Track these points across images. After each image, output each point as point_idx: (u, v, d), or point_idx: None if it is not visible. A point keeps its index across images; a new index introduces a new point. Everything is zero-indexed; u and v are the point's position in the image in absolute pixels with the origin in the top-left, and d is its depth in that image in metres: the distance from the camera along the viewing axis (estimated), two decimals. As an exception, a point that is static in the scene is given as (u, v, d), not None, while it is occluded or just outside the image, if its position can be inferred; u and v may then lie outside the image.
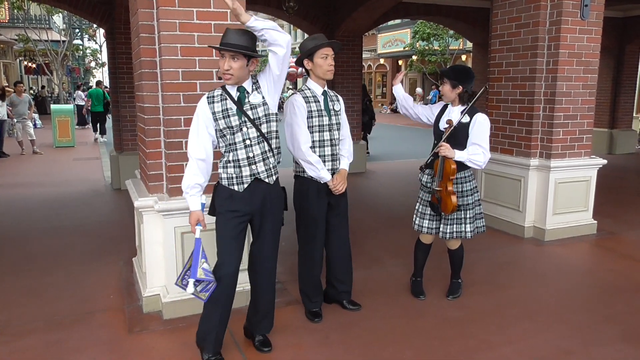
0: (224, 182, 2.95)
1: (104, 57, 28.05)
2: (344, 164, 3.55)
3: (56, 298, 4.02)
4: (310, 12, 9.18)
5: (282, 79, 2.98)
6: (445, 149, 3.50)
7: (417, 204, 3.85)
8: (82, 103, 18.91)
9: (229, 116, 2.87)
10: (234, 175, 2.93)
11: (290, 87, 32.24)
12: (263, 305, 3.19)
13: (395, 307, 3.82)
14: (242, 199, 2.93)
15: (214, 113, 2.88)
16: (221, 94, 2.91)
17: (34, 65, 26.98)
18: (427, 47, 23.36)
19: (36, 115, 17.12)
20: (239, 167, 2.92)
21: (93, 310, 3.81)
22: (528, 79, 5.38)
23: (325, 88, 3.47)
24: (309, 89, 3.42)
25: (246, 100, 2.90)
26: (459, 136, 3.56)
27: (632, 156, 11.78)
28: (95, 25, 19.35)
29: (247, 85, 2.92)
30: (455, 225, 3.71)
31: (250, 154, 2.91)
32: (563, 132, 5.35)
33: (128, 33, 4.20)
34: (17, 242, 5.50)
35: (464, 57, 24.03)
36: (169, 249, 3.59)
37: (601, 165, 5.61)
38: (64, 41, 24.32)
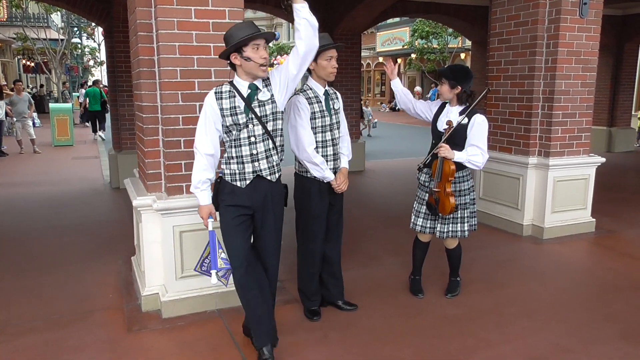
0: (227, 178, 2.95)
1: (102, 55, 28.01)
2: (344, 162, 3.55)
3: (55, 297, 4.02)
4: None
5: (296, 80, 2.96)
6: (445, 150, 3.49)
7: (415, 202, 3.85)
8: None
9: (236, 114, 2.86)
10: (237, 171, 2.92)
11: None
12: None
13: (394, 306, 3.82)
14: (244, 194, 2.93)
15: (221, 109, 2.86)
16: (230, 90, 2.88)
17: (32, 64, 26.94)
18: (426, 46, 23.38)
19: (35, 114, 17.08)
20: (242, 163, 2.91)
21: (92, 309, 3.81)
22: (527, 77, 5.38)
23: (326, 87, 3.47)
24: (311, 89, 3.41)
25: (255, 97, 2.89)
26: (456, 137, 3.55)
27: (631, 154, 11.79)
28: (93, 24, 19.32)
29: (259, 82, 2.92)
30: (451, 225, 3.71)
31: (254, 151, 2.91)
32: (562, 130, 5.35)
33: (127, 31, 4.19)
34: (16, 241, 5.50)
35: (462, 56, 24.01)
36: (167, 248, 3.59)
37: (600, 164, 5.61)
38: (62, 40, 24.29)
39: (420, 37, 22.66)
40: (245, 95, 2.87)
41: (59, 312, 3.76)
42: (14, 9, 22.74)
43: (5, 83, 18.66)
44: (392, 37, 29.56)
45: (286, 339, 3.30)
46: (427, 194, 3.72)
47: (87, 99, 16.37)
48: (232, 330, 3.39)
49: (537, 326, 3.51)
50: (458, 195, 3.66)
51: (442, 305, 3.84)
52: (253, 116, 2.87)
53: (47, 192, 8.09)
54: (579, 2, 5.12)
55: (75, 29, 25.61)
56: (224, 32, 2.86)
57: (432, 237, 3.91)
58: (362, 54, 13.27)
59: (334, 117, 3.46)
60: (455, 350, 3.20)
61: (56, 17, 28.09)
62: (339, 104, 3.53)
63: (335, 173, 3.45)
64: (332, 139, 3.45)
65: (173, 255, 3.59)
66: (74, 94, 25.83)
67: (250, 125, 2.88)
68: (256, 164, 2.92)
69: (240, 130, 2.88)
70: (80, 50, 29.43)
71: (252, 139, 2.90)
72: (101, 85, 17.23)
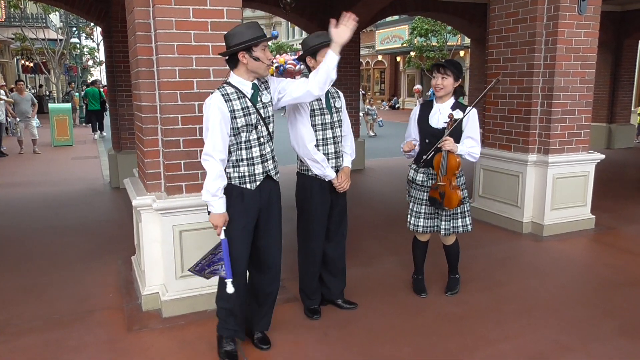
0: (235, 182, 2.91)
1: (101, 55, 28.00)
2: (347, 161, 3.54)
3: (55, 297, 4.02)
4: (308, 8, 9.16)
5: (280, 104, 3.08)
6: (450, 143, 3.50)
7: (411, 203, 3.84)
8: None
9: (249, 114, 2.86)
10: (247, 174, 2.92)
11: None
12: (264, 299, 3.20)
13: (394, 304, 3.83)
14: (252, 196, 2.94)
15: (232, 111, 2.81)
16: (236, 92, 2.86)
17: (31, 64, 26.89)
18: (425, 44, 23.34)
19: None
20: (252, 164, 2.92)
21: (92, 308, 3.81)
22: (526, 74, 5.38)
23: None
24: None
25: (258, 98, 2.91)
26: (453, 131, 3.58)
27: (630, 150, 11.79)
28: (92, 24, 19.31)
29: (257, 82, 2.94)
30: (453, 221, 3.73)
31: (264, 152, 2.95)
32: (561, 127, 5.35)
33: (125, 31, 4.19)
34: (16, 241, 5.50)
35: (462, 53, 24.00)
36: (167, 247, 3.59)
37: (599, 160, 5.61)
38: (61, 40, 24.23)
39: (420, 35, 22.63)
40: (249, 96, 2.88)
41: (59, 312, 3.76)
42: (12, 9, 22.70)
43: (5, 83, 18.59)
44: (391, 35, 29.53)
45: (286, 338, 3.31)
46: (426, 193, 3.72)
47: (87, 98, 16.35)
48: (232, 329, 3.39)
49: (537, 323, 3.52)
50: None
51: (442, 303, 3.84)
52: (259, 117, 2.90)
53: (47, 192, 8.09)
54: (577, -2, 5.12)
55: (74, 28, 25.51)
56: (223, 32, 2.87)
57: (430, 236, 3.91)
58: (361, 52, 13.24)
59: (334, 115, 3.45)
60: (455, 349, 3.21)
61: (54, 17, 28.08)
62: (340, 102, 3.52)
63: (337, 172, 3.45)
64: (333, 137, 3.44)
65: (173, 254, 3.59)
66: (75, 93, 25.81)
67: (259, 126, 2.90)
68: (265, 164, 2.96)
69: (250, 132, 2.88)
70: (79, 50, 29.38)
71: (262, 139, 2.93)
72: (100, 86, 17.21)
